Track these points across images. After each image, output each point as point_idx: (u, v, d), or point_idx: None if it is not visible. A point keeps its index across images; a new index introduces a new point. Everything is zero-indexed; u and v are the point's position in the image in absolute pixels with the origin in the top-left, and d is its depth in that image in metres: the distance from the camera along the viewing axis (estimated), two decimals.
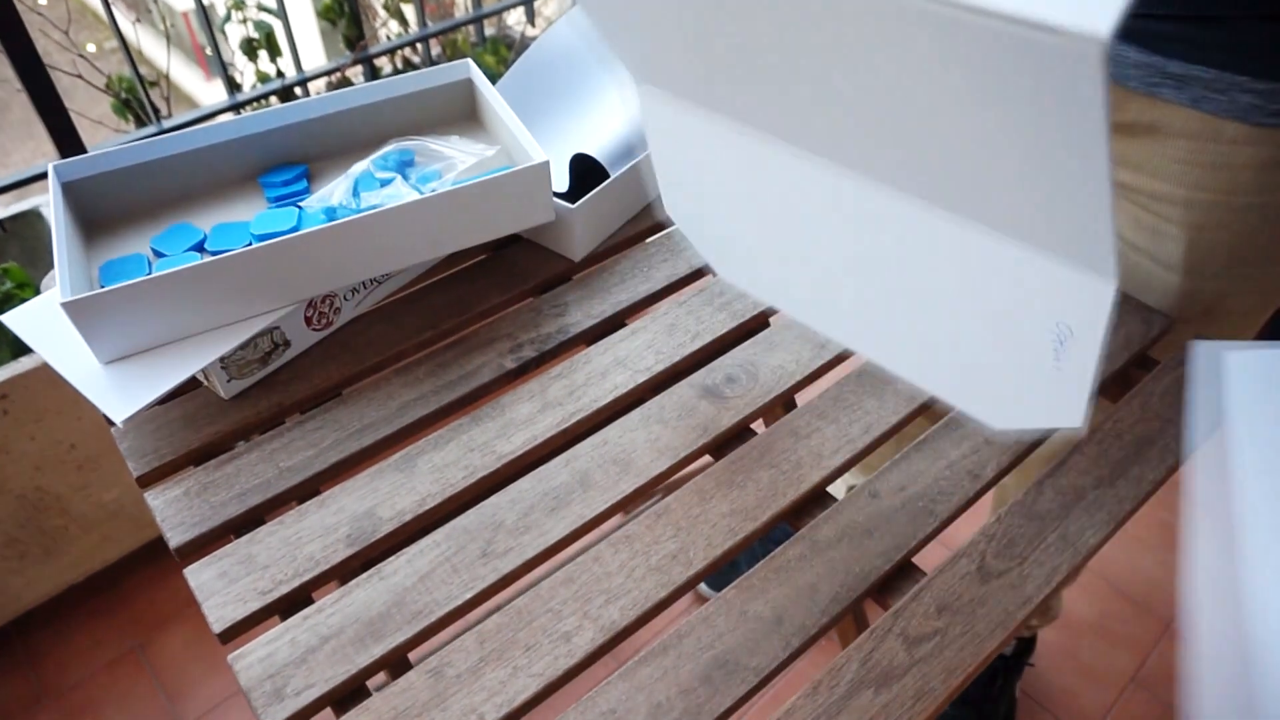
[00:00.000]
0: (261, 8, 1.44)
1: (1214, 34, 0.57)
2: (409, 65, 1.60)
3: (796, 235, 0.50)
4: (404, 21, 1.62)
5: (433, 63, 1.55)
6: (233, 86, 1.30)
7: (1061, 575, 0.50)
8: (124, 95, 1.36)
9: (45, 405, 1.13)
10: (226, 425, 0.60)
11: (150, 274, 0.58)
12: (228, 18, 1.45)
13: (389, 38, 1.61)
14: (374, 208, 0.64)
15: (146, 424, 0.60)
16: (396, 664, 0.49)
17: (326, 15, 1.49)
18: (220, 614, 0.50)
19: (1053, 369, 0.42)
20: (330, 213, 0.65)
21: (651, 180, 0.67)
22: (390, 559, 0.52)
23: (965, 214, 0.42)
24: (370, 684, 0.49)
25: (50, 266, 0.57)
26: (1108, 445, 0.57)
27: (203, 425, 0.60)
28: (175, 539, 0.54)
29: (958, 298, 0.44)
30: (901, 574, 0.53)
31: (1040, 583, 0.50)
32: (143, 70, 1.24)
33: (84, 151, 1.01)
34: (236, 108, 1.29)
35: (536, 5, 1.63)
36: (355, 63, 1.41)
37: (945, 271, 0.44)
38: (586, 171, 0.74)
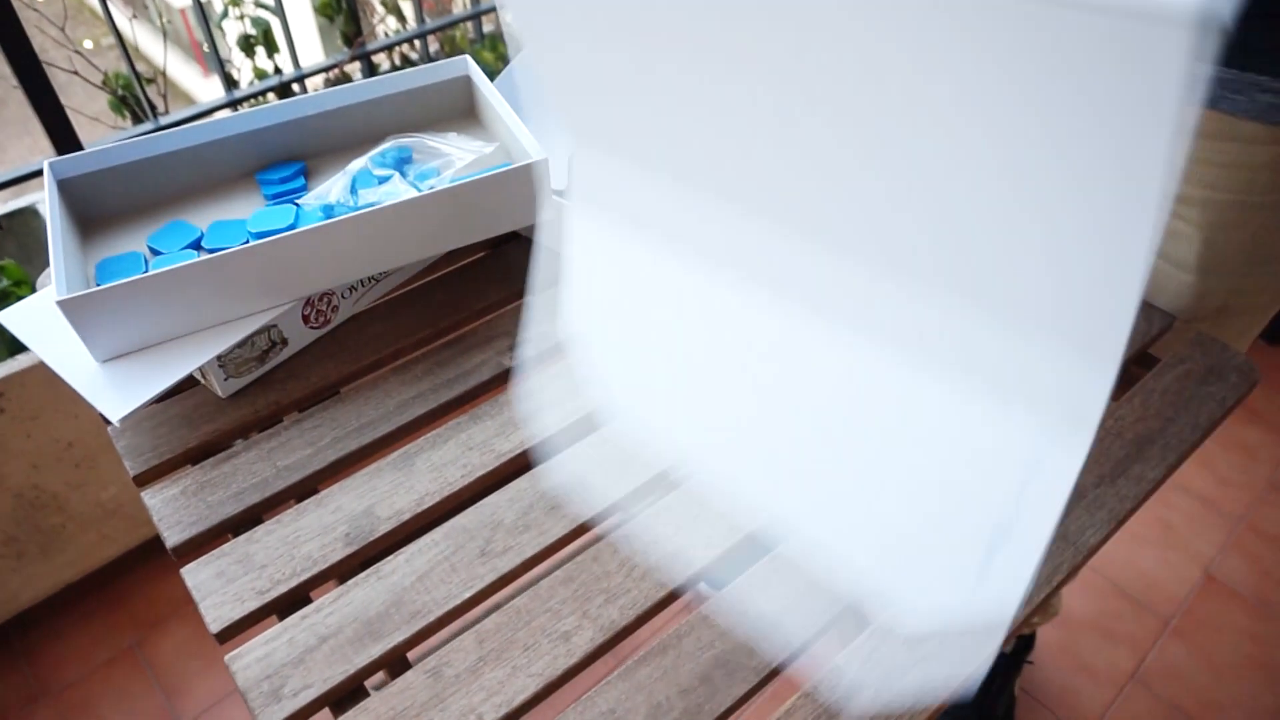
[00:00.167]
0: (259, 4, 1.44)
1: (1232, 34, 0.57)
2: (407, 62, 1.59)
3: (710, 377, 0.45)
4: (402, 18, 1.62)
5: (431, 59, 1.55)
6: (230, 83, 1.29)
7: (1063, 575, 0.50)
8: (121, 92, 1.36)
9: (42, 403, 1.13)
10: (224, 424, 0.60)
11: (147, 272, 0.57)
12: (225, 14, 1.44)
13: (387, 34, 1.61)
14: (372, 205, 0.63)
15: (143, 423, 0.59)
16: (395, 664, 0.49)
17: (324, 11, 1.48)
18: (217, 614, 0.50)
19: (992, 552, 0.37)
20: (328, 210, 0.64)
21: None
22: (388, 558, 0.52)
23: (953, 294, 0.36)
24: (368, 684, 0.48)
25: (47, 264, 0.57)
26: (1109, 443, 0.57)
27: (200, 424, 0.59)
28: (172, 538, 0.53)
29: (895, 453, 0.40)
30: None
31: (1040, 582, 0.50)
32: (140, 67, 1.24)
33: (80, 148, 1.01)
34: (234, 104, 1.28)
35: None
36: (353, 59, 1.40)
37: (884, 421, 0.39)
38: None
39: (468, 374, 0.63)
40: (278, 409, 0.61)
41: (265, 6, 1.43)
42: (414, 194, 0.62)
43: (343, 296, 0.65)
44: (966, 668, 0.39)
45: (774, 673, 0.48)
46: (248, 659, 0.48)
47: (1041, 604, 0.49)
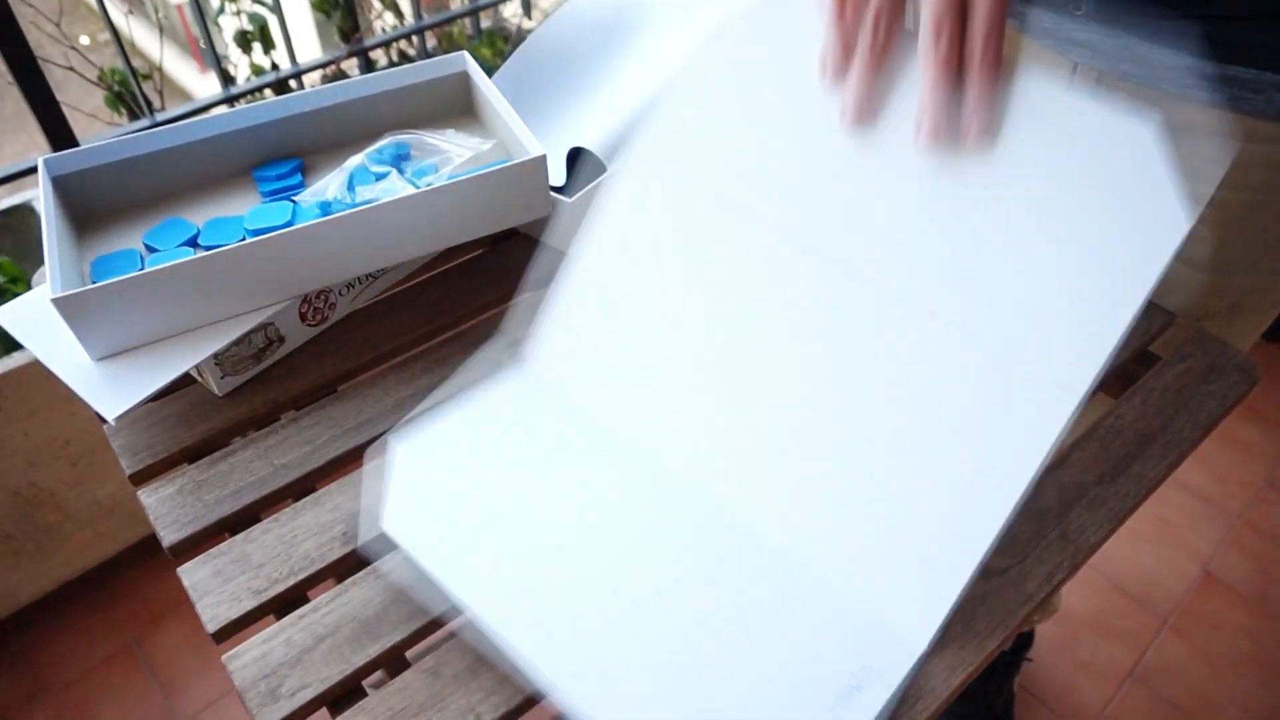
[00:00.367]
0: (256, 0, 1.43)
1: (1250, 33, 0.57)
2: (404, 58, 1.59)
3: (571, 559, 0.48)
4: (399, 14, 1.61)
5: (428, 55, 1.54)
6: (226, 79, 1.29)
7: (1063, 574, 0.50)
8: (117, 88, 1.35)
9: (38, 401, 1.13)
10: (220, 422, 0.59)
11: (143, 269, 0.57)
12: (221, 10, 1.44)
13: (384, 30, 1.60)
14: (369, 202, 0.63)
15: (139, 421, 0.59)
16: (393, 663, 0.49)
17: (321, 7, 1.48)
18: (214, 613, 0.49)
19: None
20: (325, 207, 0.64)
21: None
22: (387, 557, 0.52)
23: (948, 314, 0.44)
24: (366, 684, 0.48)
25: (43, 261, 0.56)
26: (1109, 441, 0.57)
27: (196, 422, 0.59)
28: (169, 537, 0.53)
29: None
30: None
31: (1041, 581, 0.50)
32: (136, 63, 1.23)
33: (76, 145, 1.01)
34: (230, 101, 1.28)
35: None
36: (350, 55, 1.40)
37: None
38: (584, 166, 0.73)
39: None
40: (275, 407, 0.61)
41: (262, 2, 1.43)
42: (412, 191, 0.62)
43: (340, 294, 0.65)
44: None
45: None
46: (245, 659, 0.47)
47: (1041, 602, 0.49)
